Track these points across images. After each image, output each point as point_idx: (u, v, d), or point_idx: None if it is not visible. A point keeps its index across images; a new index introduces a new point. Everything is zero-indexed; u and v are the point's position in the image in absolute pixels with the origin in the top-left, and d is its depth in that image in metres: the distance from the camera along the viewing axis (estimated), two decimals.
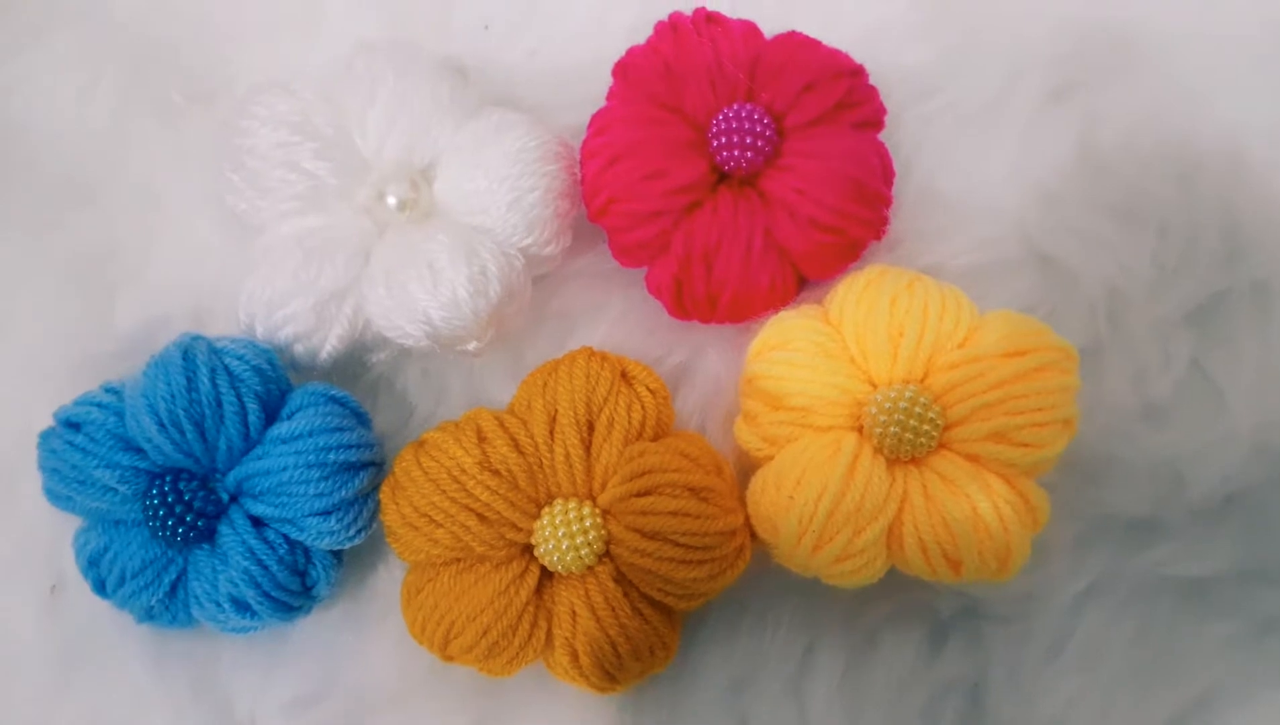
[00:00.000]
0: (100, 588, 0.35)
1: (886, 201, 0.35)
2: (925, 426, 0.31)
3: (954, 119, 0.39)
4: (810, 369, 0.33)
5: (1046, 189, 0.38)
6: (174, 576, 0.34)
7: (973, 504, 0.31)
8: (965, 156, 0.38)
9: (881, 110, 0.37)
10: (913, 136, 0.38)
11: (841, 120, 0.36)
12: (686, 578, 0.32)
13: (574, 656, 0.33)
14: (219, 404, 0.32)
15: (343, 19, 0.43)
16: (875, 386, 0.33)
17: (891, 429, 0.31)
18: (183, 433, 0.32)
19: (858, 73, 0.36)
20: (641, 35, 0.37)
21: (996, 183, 0.38)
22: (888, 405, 0.32)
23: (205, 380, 0.32)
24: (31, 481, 0.36)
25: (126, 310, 0.39)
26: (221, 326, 0.37)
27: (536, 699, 0.36)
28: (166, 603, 0.34)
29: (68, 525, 0.36)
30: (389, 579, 0.37)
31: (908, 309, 0.32)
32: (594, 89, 0.38)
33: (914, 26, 0.40)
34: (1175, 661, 0.35)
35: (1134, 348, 0.36)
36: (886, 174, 0.36)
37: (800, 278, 0.36)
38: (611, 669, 0.33)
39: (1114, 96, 0.39)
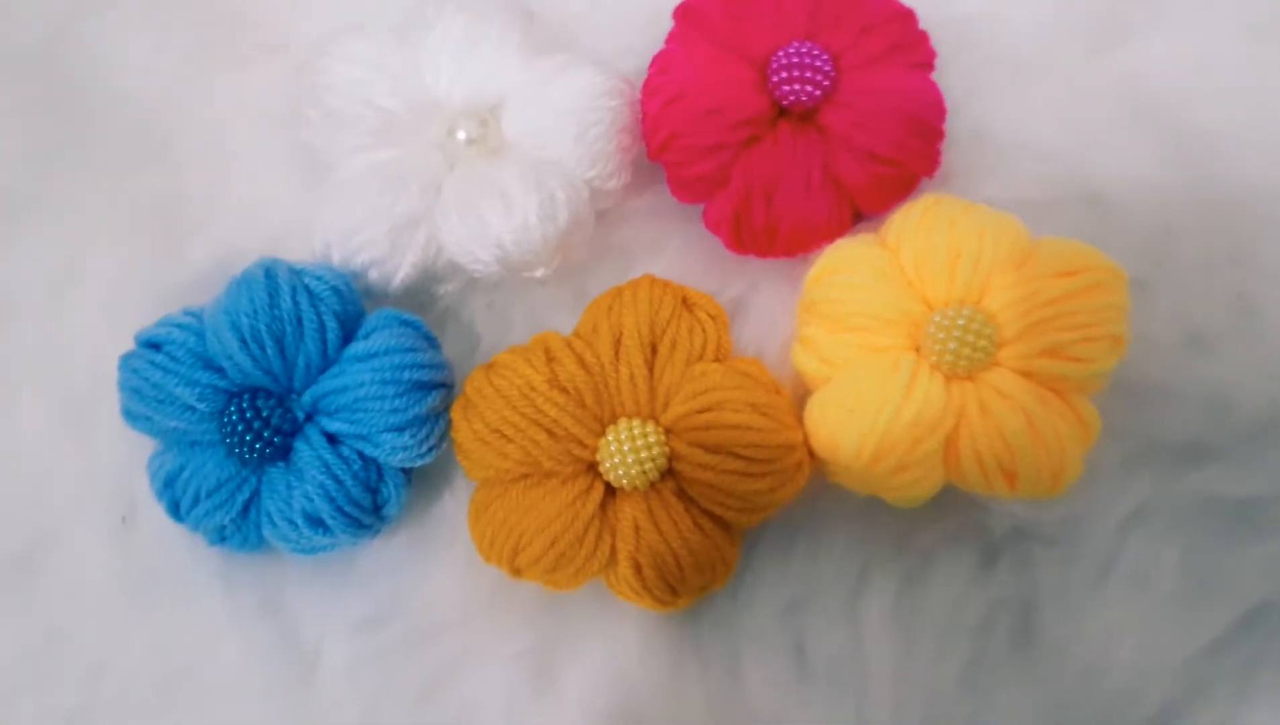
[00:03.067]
0: (175, 510, 0.35)
1: (940, 135, 0.36)
2: (982, 341, 0.32)
3: (1003, 66, 0.40)
4: (869, 291, 0.34)
5: (1092, 129, 0.39)
6: (247, 496, 0.35)
7: (1028, 416, 0.32)
8: (1015, 100, 0.39)
9: (932, 54, 0.37)
10: (964, 82, 0.39)
11: (896, 61, 0.36)
12: (748, 490, 0.33)
13: (637, 569, 0.33)
14: (299, 321, 0.33)
15: None
16: (932, 307, 0.34)
17: (950, 346, 0.33)
18: (264, 348, 0.33)
19: (908, 17, 0.37)
20: None
21: (1046, 125, 0.39)
22: (946, 323, 0.33)
23: (287, 298, 0.33)
24: (104, 418, 0.38)
25: (199, 250, 0.40)
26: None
27: (598, 620, 0.36)
28: (239, 523, 0.35)
29: (137, 459, 0.37)
30: (455, 504, 0.38)
31: (965, 232, 0.33)
32: (654, 37, 0.38)
33: None
34: (1221, 581, 0.35)
35: (1181, 280, 0.37)
36: (939, 111, 0.36)
37: (856, 212, 0.37)
38: (674, 581, 0.33)
39: (1159, 40, 0.40)
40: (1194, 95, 0.39)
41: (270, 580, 0.38)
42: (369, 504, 0.35)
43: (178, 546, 0.37)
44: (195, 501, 0.35)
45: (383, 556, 0.38)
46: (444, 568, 0.37)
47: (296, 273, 0.34)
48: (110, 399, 0.36)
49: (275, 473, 0.35)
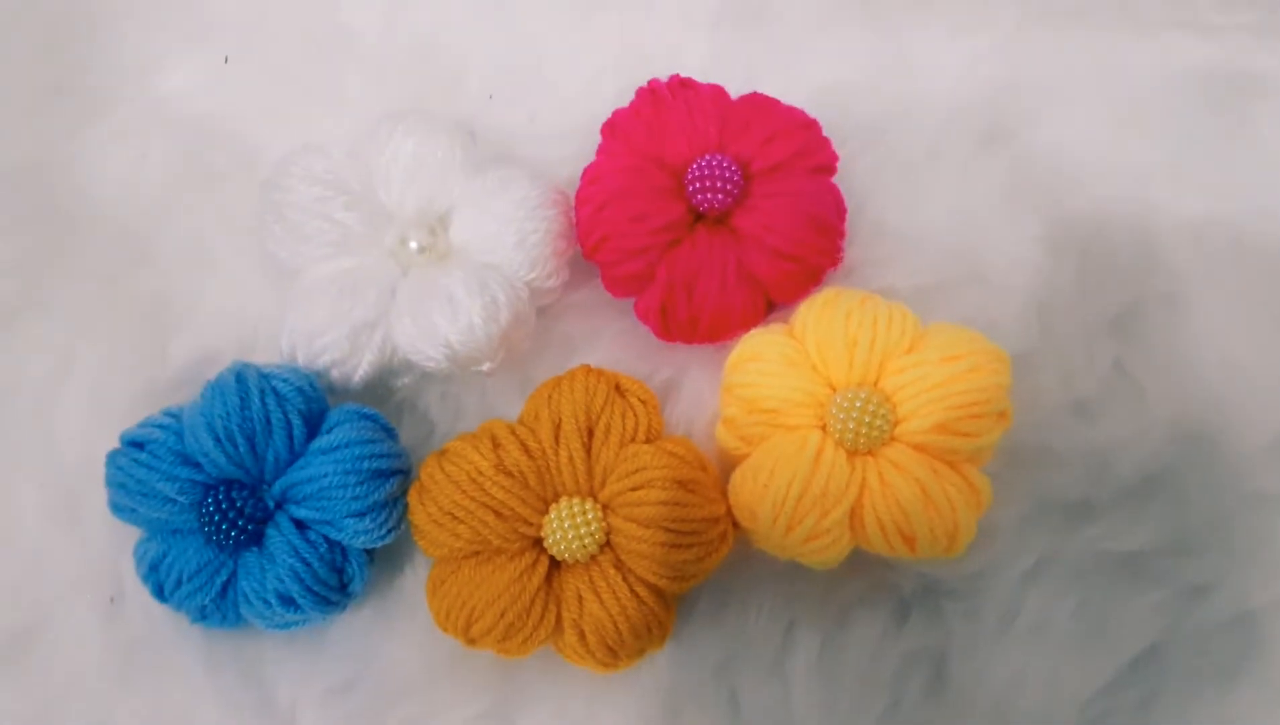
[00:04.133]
0: (159, 592, 0.37)
1: (841, 233, 0.40)
2: (878, 422, 0.36)
3: (899, 164, 0.43)
4: (779, 377, 0.36)
5: (981, 220, 0.42)
6: (225, 578, 0.37)
7: (922, 487, 0.35)
8: (910, 195, 0.42)
9: (834, 157, 0.40)
10: (864, 180, 0.42)
11: (799, 166, 0.39)
12: (677, 560, 0.35)
13: (581, 636, 0.36)
14: (268, 421, 0.36)
15: (364, 96, 0.46)
16: (834, 389, 0.36)
17: (850, 425, 0.36)
18: (236, 446, 0.36)
19: (812, 126, 0.40)
20: (625, 100, 0.41)
21: (938, 216, 0.42)
22: (845, 405, 0.36)
23: (256, 399, 0.36)
24: (93, 505, 0.39)
25: (179, 350, 0.42)
26: (264, 359, 0.39)
27: (548, 683, 0.38)
28: (218, 603, 0.37)
29: (125, 544, 0.39)
30: (414, 581, 0.39)
31: (860, 322, 0.37)
32: (585, 147, 0.42)
33: (859, 87, 0.45)
34: (1113, 629, 0.38)
35: (1063, 352, 0.40)
36: (840, 210, 0.40)
37: (769, 302, 0.40)
38: (614, 645, 0.35)
39: (1034, 140, 0.44)
40: (1070, 183, 0.43)
41: (248, 653, 0.39)
42: (336, 583, 0.37)
43: (163, 624, 0.39)
44: (178, 584, 0.37)
45: (351, 629, 0.39)
46: (406, 637, 0.39)
47: (265, 376, 0.37)
48: (99, 489, 0.38)
49: (250, 557, 0.37)
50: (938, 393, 0.36)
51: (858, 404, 0.36)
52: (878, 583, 0.39)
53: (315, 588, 0.36)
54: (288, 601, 0.36)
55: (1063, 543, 0.39)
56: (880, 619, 0.38)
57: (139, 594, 0.38)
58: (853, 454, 0.36)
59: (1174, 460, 0.39)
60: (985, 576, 0.39)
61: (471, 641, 0.37)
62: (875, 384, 0.37)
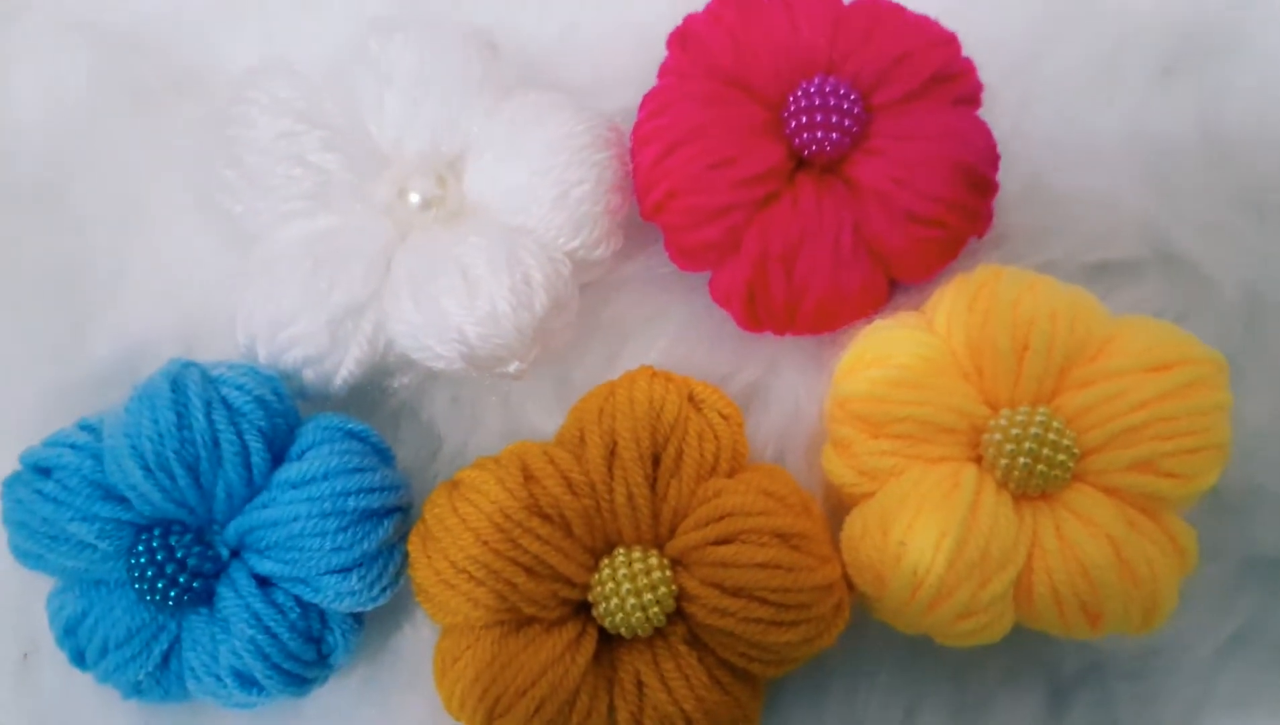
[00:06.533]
0: (79, 659, 0.32)
1: (994, 188, 0.32)
2: (1060, 455, 0.28)
3: (1054, 99, 0.36)
4: (917, 388, 0.29)
5: (1166, 177, 0.35)
6: (165, 646, 0.31)
7: (1115, 545, 0.28)
8: (1070, 141, 0.36)
9: (979, 85, 0.34)
10: (1009, 118, 0.35)
11: (938, 96, 0.32)
12: (777, 642, 0.29)
13: None
14: (216, 443, 0.29)
15: None
16: (995, 408, 0.29)
17: (1021, 459, 0.28)
18: (173, 478, 0.29)
19: (950, 42, 0.34)
20: (699, 2, 0.34)
21: (1107, 170, 0.35)
22: (1015, 431, 0.28)
23: (199, 415, 0.29)
24: None
25: (102, 333, 0.37)
26: (216, 351, 0.34)
27: None
28: (157, 676, 0.32)
29: (40, 584, 0.33)
30: (416, 639, 0.34)
31: (1032, 316, 0.29)
32: (643, 66, 0.35)
33: None
34: None
35: (1276, 358, 0.33)
36: (991, 157, 0.32)
37: (891, 281, 0.33)
38: None
39: (1238, 69, 0.36)
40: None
41: None
42: (311, 656, 0.31)
43: (89, 689, 0.34)
44: (103, 652, 0.31)
45: (332, 702, 0.34)
46: (407, 715, 0.34)
47: (212, 382, 0.30)
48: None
49: (198, 620, 0.31)
50: (1142, 417, 0.28)
51: (1033, 430, 0.28)
52: (1027, 658, 0.33)
53: (284, 664, 0.31)
54: (248, 682, 0.31)
55: (1272, 610, 0.33)
56: (1031, 705, 0.33)
57: (59, 651, 0.33)
58: (1021, 499, 0.29)
59: None
60: (1169, 652, 0.33)
61: None
62: (1051, 401, 0.29)
